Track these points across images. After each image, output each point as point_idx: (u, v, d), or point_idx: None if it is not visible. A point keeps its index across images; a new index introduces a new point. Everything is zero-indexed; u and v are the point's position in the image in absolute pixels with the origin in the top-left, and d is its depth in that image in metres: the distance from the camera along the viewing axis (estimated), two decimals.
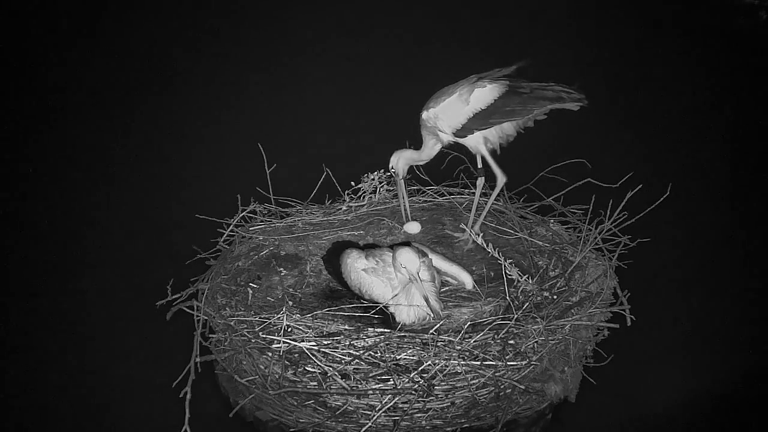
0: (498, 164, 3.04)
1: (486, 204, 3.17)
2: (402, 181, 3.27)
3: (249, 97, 4.76)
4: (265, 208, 3.40)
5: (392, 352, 2.47)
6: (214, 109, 4.63)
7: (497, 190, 3.10)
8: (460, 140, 3.06)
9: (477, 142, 3.04)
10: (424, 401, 2.50)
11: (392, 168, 3.24)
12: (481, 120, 2.96)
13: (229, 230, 3.26)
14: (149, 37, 4.81)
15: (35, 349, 3.24)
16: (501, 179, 3.06)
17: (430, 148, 3.17)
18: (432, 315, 2.61)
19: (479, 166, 3.17)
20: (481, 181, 3.18)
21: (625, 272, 2.98)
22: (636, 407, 2.96)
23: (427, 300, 2.55)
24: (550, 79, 2.98)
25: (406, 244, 2.78)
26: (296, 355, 2.52)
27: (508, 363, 2.51)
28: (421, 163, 3.31)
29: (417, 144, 3.22)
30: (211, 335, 2.80)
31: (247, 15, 4.99)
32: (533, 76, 3.00)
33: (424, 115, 3.04)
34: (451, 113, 2.98)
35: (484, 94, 2.94)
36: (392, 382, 2.47)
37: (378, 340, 2.50)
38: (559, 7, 4.98)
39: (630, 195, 2.98)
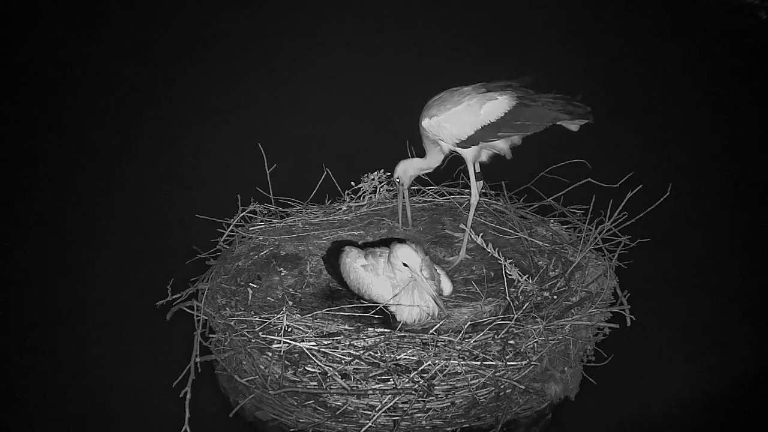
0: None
1: (467, 221, 3.09)
2: (406, 191, 3.23)
3: (249, 97, 4.75)
4: (265, 208, 3.40)
5: (392, 352, 2.47)
6: (214, 109, 4.63)
7: (472, 210, 3.06)
8: (458, 149, 2.98)
9: (472, 156, 2.97)
10: (424, 401, 2.50)
11: (398, 178, 3.17)
12: (488, 132, 2.86)
13: (229, 230, 3.26)
14: (150, 36, 4.81)
15: (35, 349, 3.24)
16: (474, 200, 3.04)
17: (436, 155, 3.08)
18: (438, 313, 2.60)
19: (477, 170, 3.15)
20: (480, 184, 3.15)
21: (625, 272, 2.98)
22: (636, 407, 2.96)
23: (435, 299, 2.55)
24: (550, 83, 2.94)
25: (402, 240, 2.74)
26: (296, 355, 2.52)
27: (508, 363, 2.51)
28: (429, 171, 3.22)
29: (418, 147, 3.19)
30: (211, 335, 2.80)
31: (247, 15, 4.99)
32: (534, 79, 2.98)
33: (425, 123, 2.92)
34: (458, 123, 2.86)
35: (495, 106, 2.83)
36: (392, 382, 2.46)
37: (378, 340, 2.50)
38: (558, 7, 4.98)
39: (630, 195, 2.98)
